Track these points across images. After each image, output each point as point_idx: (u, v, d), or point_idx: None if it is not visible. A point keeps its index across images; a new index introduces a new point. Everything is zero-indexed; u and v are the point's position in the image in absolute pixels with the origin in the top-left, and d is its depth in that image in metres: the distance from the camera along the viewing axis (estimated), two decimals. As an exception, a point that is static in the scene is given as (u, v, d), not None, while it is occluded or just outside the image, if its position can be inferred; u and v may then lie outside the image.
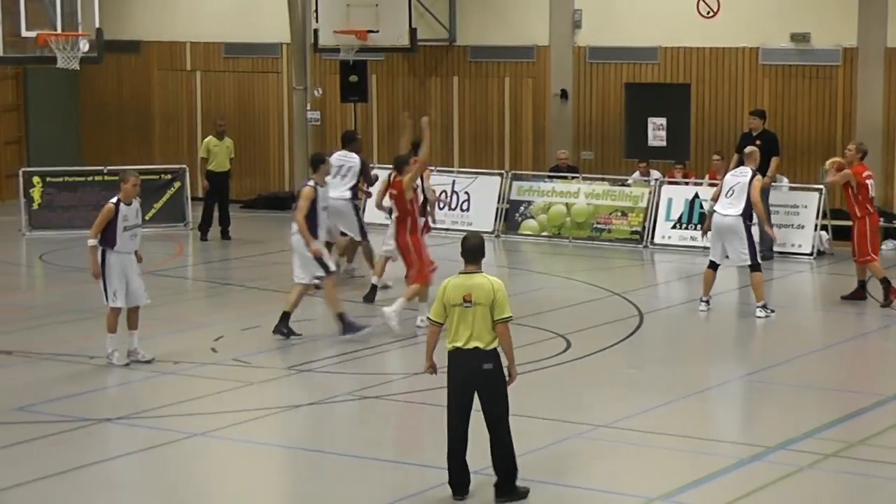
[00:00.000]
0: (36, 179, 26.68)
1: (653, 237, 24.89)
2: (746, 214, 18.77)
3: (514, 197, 26.22)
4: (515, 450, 11.43)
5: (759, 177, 19.06)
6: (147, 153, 31.34)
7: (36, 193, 26.55)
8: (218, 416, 14.12)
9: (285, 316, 17.48)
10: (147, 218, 25.65)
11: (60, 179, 26.78)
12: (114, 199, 16.17)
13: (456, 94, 28.59)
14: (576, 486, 12.23)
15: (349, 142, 21.44)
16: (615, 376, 15.96)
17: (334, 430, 14.10)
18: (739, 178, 19.00)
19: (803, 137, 25.55)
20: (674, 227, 24.79)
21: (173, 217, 26.96)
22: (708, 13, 26.20)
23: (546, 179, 26.35)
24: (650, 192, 25.10)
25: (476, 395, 11.41)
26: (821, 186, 23.97)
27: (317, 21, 27.62)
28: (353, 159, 21.04)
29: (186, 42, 31.14)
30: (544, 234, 25.82)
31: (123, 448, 13.35)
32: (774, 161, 23.19)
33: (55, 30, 21.56)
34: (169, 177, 27.30)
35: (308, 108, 29.48)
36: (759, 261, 19.01)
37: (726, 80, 26.15)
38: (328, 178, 19.86)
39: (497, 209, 26.19)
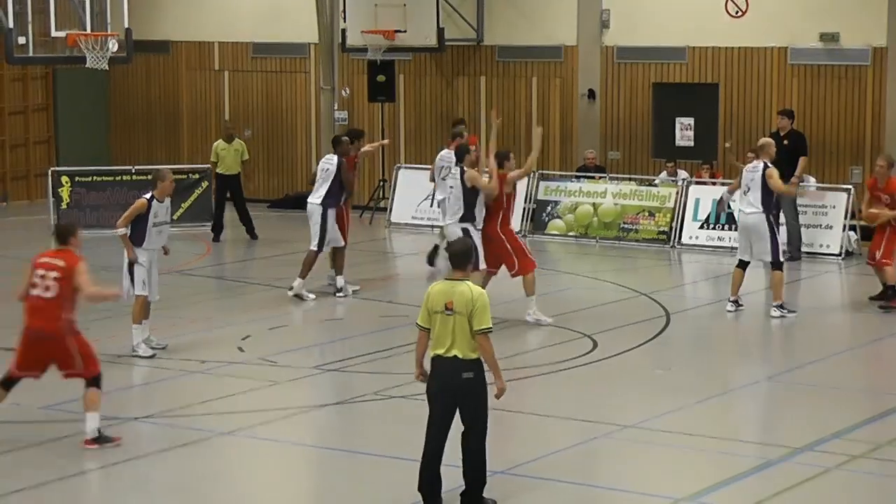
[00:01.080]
0: (65, 179, 26.75)
1: (680, 237, 24.84)
2: (767, 208, 18.76)
3: (541, 197, 26.20)
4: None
5: (771, 168, 18.94)
6: (175, 153, 31.44)
7: (65, 193, 26.63)
8: (244, 415, 14.15)
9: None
10: (175, 217, 25.70)
11: (89, 179, 26.85)
12: (147, 195, 16.29)
13: (483, 94, 28.56)
14: (602, 487, 12.22)
15: (335, 144, 20.56)
16: (642, 377, 15.92)
17: (360, 430, 14.10)
18: (753, 173, 19.00)
19: (832, 138, 25.46)
20: (701, 227, 24.73)
21: (200, 217, 26.98)
22: (736, 13, 26.12)
23: (573, 179, 26.32)
24: (677, 193, 25.05)
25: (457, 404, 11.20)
26: (849, 187, 23.91)
27: (344, 21, 27.67)
28: (332, 162, 20.16)
29: (215, 42, 31.21)
30: (571, 233, 25.79)
31: (150, 447, 13.37)
32: (802, 161, 23.10)
33: (84, 30, 21.70)
34: (196, 176, 27.34)
35: (335, 107, 29.54)
36: (782, 260, 18.97)
37: (754, 80, 26.07)
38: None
39: (524, 209, 26.15)
